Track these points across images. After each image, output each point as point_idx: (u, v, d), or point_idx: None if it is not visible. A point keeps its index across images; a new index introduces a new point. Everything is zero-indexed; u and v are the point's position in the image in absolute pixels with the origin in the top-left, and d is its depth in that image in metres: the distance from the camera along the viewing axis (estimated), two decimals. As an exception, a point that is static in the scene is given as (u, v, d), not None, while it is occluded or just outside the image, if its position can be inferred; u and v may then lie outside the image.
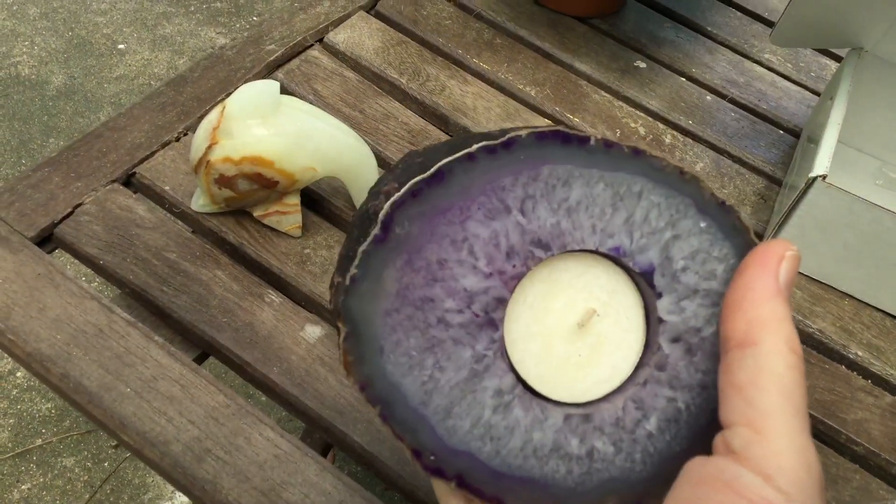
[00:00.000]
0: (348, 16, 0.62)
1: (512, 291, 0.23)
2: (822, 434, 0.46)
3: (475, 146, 0.23)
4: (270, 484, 0.38)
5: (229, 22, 1.81)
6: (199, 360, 0.44)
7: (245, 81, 0.55)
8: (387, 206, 0.22)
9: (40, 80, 1.57)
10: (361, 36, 0.61)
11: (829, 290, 0.54)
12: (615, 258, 0.24)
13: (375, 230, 0.22)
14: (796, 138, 0.64)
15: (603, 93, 0.63)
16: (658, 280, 0.24)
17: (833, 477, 0.44)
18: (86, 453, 1.12)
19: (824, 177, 0.48)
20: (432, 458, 0.22)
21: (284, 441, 0.39)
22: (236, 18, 1.82)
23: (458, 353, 0.23)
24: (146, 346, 0.41)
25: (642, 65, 0.66)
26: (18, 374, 1.17)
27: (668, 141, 0.61)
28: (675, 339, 0.24)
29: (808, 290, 0.53)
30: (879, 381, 0.49)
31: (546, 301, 0.24)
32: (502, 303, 0.23)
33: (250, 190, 0.45)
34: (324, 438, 0.43)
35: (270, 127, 0.43)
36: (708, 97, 0.65)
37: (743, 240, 0.24)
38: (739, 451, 0.19)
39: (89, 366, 0.40)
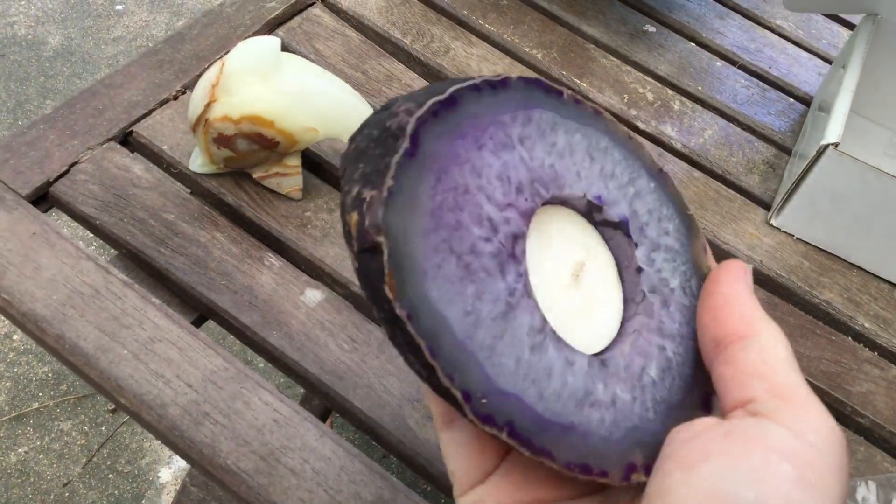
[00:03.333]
0: (351, -26, 0.60)
1: (527, 226, 0.23)
2: (828, 406, 0.46)
3: (479, 79, 0.22)
4: (269, 448, 0.37)
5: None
6: (197, 323, 0.43)
7: (245, 39, 0.53)
8: (412, 120, 0.21)
9: (37, 41, 1.55)
10: (364, -5, 0.59)
11: (836, 260, 0.53)
12: (585, 213, 0.25)
13: (405, 144, 0.20)
14: (807, 106, 0.63)
15: (611, 57, 0.61)
16: (632, 231, 0.25)
17: (838, 449, 0.44)
18: (83, 417, 1.12)
19: (836, 145, 0.47)
20: (484, 401, 0.20)
21: (283, 405, 0.38)
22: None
23: (493, 285, 0.21)
24: (143, 308, 0.40)
25: (651, 29, 0.65)
26: (15, 336, 1.17)
27: (676, 107, 0.59)
28: (652, 291, 0.25)
29: (815, 261, 0.53)
30: (886, 353, 0.49)
31: (540, 251, 0.24)
32: (520, 237, 0.22)
33: (250, 150, 0.43)
34: (323, 404, 0.42)
35: (271, 85, 0.42)
36: (718, 63, 0.64)
37: (679, 204, 0.26)
38: (768, 412, 0.19)
39: (85, 327, 0.39)
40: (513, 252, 0.22)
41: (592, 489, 0.23)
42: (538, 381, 0.21)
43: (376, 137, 0.22)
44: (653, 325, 0.24)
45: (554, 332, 0.22)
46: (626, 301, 0.25)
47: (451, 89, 0.22)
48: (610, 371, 0.23)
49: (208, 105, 0.42)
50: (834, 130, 0.48)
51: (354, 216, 0.20)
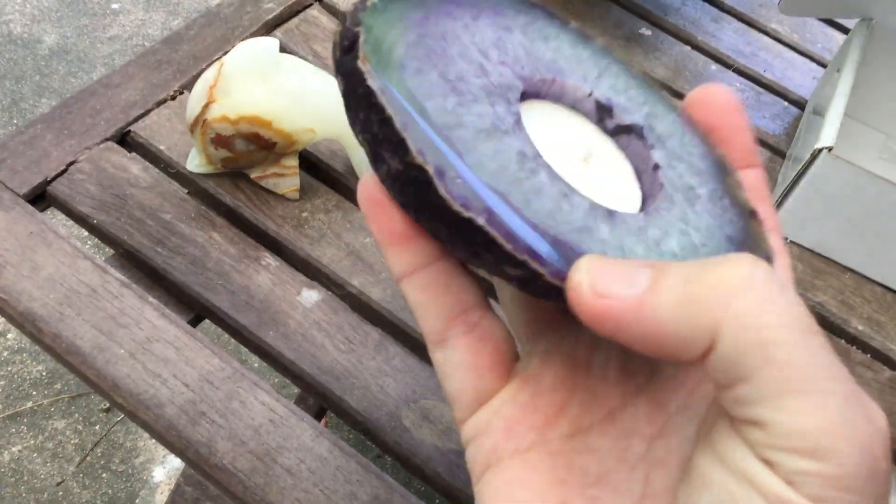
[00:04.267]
0: (349, -25, 0.61)
1: (523, 88, 0.22)
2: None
3: None
4: (266, 448, 0.37)
5: (225, -17, 1.78)
6: (194, 322, 0.43)
7: (243, 40, 0.54)
8: None
9: (32, 39, 1.55)
10: (362, -4, 0.59)
11: (830, 263, 0.53)
12: (592, 116, 0.24)
13: None
14: (801, 110, 0.63)
15: (607, 60, 0.62)
16: (648, 136, 0.23)
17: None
18: (77, 416, 1.12)
19: (830, 148, 0.48)
20: (458, 180, 0.18)
21: (280, 405, 0.38)
22: (232, -20, 1.79)
23: (480, 106, 0.20)
24: (140, 308, 0.40)
25: (647, 32, 0.65)
26: (9, 335, 1.17)
27: (671, 110, 0.60)
28: (675, 189, 0.22)
29: (809, 264, 0.53)
30: (879, 356, 0.49)
31: (545, 136, 0.22)
32: (514, 90, 0.21)
33: (247, 151, 0.44)
34: (318, 404, 0.42)
35: (269, 86, 0.42)
36: (713, 66, 0.64)
37: (707, 142, 0.24)
38: (765, 421, 0.16)
39: (82, 326, 0.39)
40: (507, 97, 0.21)
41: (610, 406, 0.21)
42: (526, 193, 0.19)
43: None
44: (675, 211, 0.21)
45: (550, 167, 0.20)
46: (644, 198, 0.22)
47: None
48: (618, 222, 0.20)
49: (206, 106, 0.42)
50: (828, 134, 0.48)
51: (338, 31, 0.20)
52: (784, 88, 0.65)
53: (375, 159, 0.19)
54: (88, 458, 1.09)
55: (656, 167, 0.22)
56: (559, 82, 0.23)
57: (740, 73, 0.65)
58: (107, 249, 0.44)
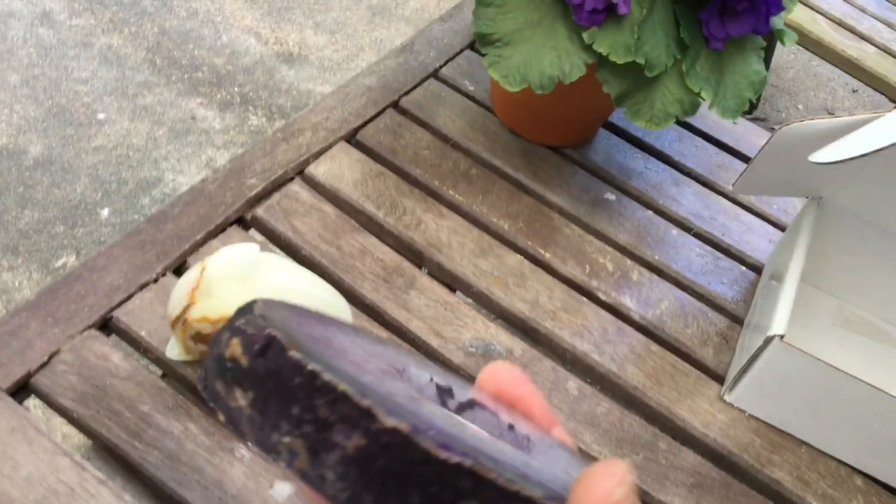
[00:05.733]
0: (329, 146, 0.64)
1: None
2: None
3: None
4: None
5: (210, 92, 1.83)
6: (169, 513, 0.44)
7: (225, 218, 0.56)
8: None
9: (18, 150, 1.57)
10: (342, 168, 0.63)
11: (787, 437, 0.55)
12: (437, 400, 0.26)
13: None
14: (757, 274, 0.67)
15: (574, 226, 0.65)
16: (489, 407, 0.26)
17: None
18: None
19: (782, 336, 0.50)
20: (432, 432, 0.19)
21: None
22: (217, 89, 1.84)
23: (391, 383, 0.22)
24: (116, 506, 0.42)
25: (612, 197, 0.68)
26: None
27: (635, 278, 0.63)
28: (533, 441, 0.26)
29: (766, 438, 0.55)
30: (834, 536, 0.51)
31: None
32: (393, 374, 0.23)
33: (226, 344, 0.45)
34: None
35: (249, 287, 0.44)
36: (674, 231, 0.68)
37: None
38: None
39: (58, 528, 0.40)
40: (400, 375, 0.23)
41: None
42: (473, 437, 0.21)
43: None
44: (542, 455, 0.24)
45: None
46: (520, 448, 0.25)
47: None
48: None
49: (187, 307, 0.44)
50: (780, 323, 0.51)
51: (234, 341, 0.20)
52: (741, 252, 0.68)
53: (316, 455, 0.19)
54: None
55: (511, 427, 0.25)
56: (408, 371, 0.25)
57: (700, 236, 0.68)
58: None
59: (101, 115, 1.70)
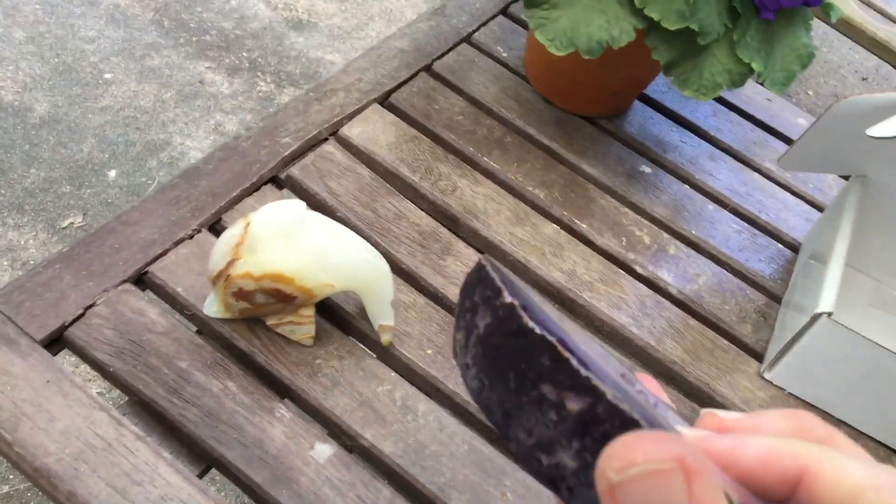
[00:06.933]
0: (362, 108, 0.62)
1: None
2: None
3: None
4: None
5: (218, 56, 1.80)
6: (204, 473, 0.43)
7: (259, 176, 0.55)
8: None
9: (24, 107, 1.55)
10: (375, 130, 0.61)
11: (826, 416, 0.55)
12: None
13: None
14: (794, 252, 0.66)
15: (609, 198, 0.64)
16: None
17: None
18: None
19: (830, 314, 0.49)
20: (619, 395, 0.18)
21: (294, 574, 0.38)
22: (225, 53, 1.81)
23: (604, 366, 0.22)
24: (154, 464, 0.40)
25: (647, 169, 0.67)
26: None
27: (672, 251, 0.61)
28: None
29: (805, 417, 0.54)
30: (874, 517, 0.50)
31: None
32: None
33: (267, 303, 0.44)
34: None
35: (293, 245, 0.43)
36: (710, 206, 0.66)
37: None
38: None
39: (97, 483, 0.39)
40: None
41: None
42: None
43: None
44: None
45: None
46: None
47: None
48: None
49: (231, 262, 0.43)
50: (827, 300, 0.50)
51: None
52: (778, 230, 0.67)
53: (467, 341, 0.20)
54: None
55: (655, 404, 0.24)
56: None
57: (736, 213, 0.67)
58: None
59: (108, 76, 1.67)
